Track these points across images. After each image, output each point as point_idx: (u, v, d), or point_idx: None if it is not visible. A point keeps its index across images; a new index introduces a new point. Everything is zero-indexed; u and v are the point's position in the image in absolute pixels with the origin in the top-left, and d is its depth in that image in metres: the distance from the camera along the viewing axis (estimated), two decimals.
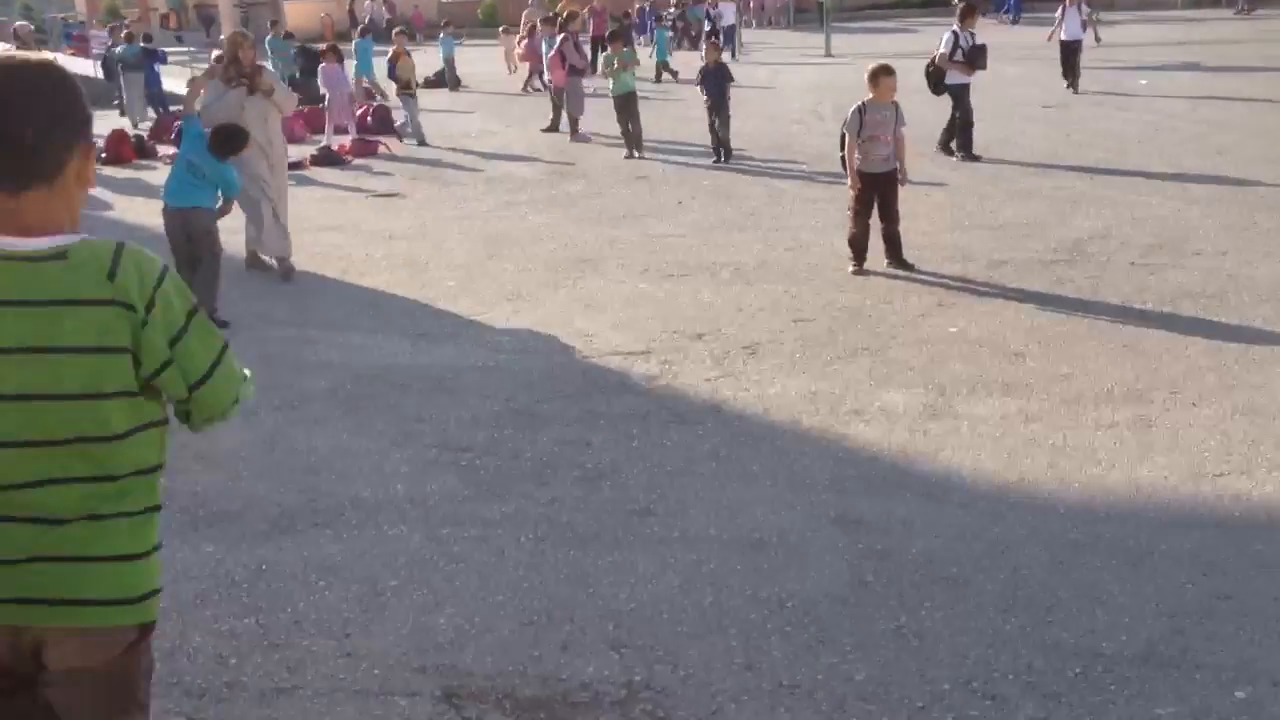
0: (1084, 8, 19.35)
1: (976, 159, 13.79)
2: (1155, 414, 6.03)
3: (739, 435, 6.03)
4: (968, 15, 13.97)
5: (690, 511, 5.19)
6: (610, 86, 16.29)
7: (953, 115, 14.12)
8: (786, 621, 4.27)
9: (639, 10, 35.04)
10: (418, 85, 18.33)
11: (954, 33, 13.82)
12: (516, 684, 3.95)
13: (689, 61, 15.47)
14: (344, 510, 5.37)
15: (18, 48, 17.53)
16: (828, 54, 29.61)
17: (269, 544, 5.08)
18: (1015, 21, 36.41)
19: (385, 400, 6.83)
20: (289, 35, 27.75)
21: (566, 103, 17.88)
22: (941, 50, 13.82)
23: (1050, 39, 19.95)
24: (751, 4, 41.32)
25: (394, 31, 20.25)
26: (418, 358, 7.59)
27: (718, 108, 14.77)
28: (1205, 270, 8.61)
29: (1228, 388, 6.34)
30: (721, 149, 14.84)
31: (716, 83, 14.70)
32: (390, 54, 19.00)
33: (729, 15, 31.63)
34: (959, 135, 14.03)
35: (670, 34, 36.02)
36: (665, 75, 24.95)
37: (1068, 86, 19.53)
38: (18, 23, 19.86)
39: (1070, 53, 19.37)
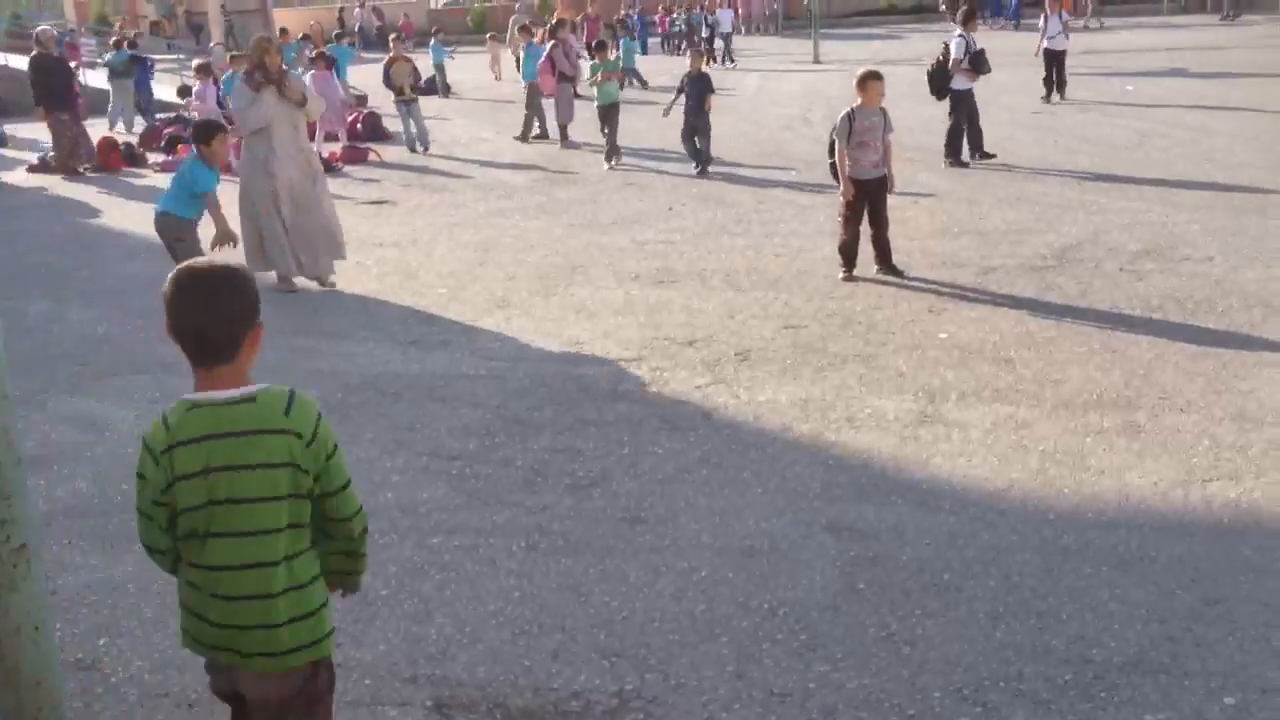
0: (1064, 15, 19.34)
1: (965, 165, 13.84)
2: (1144, 419, 6.05)
3: (730, 442, 6.04)
4: (970, 19, 14.13)
5: (681, 519, 5.19)
6: (595, 95, 16.27)
7: (971, 121, 14.13)
8: (778, 629, 4.27)
9: (625, 17, 35.17)
10: (413, 90, 18.07)
11: (963, 37, 13.90)
12: (508, 693, 3.95)
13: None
14: None
15: (39, 51, 17.47)
16: (816, 60, 29.69)
17: None
18: (1004, 28, 36.57)
19: (376, 408, 6.82)
20: (305, 37, 27.69)
21: (556, 110, 17.88)
22: (955, 55, 13.86)
23: (1037, 53, 19.93)
24: (740, 10, 41.42)
25: (391, 37, 20.06)
26: (408, 365, 7.59)
27: (696, 116, 14.54)
28: (1193, 276, 8.64)
29: (1216, 393, 6.36)
30: (700, 159, 14.56)
31: (697, 92, 14.55)
32: (386, 60, 18.86)
33: (726, 22, 31.81)
34: (949, 140, 14.06)
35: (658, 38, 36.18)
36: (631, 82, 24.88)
37: (1044, 98, 19.40)
38: (40, 28, 19.83)
39: (1055, 61, 19.37)
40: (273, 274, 9.81)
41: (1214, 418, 6.02)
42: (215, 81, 18.87)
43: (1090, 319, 7.76)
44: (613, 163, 15.51)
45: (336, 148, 17.54)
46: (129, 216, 13.11)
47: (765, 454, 5.87)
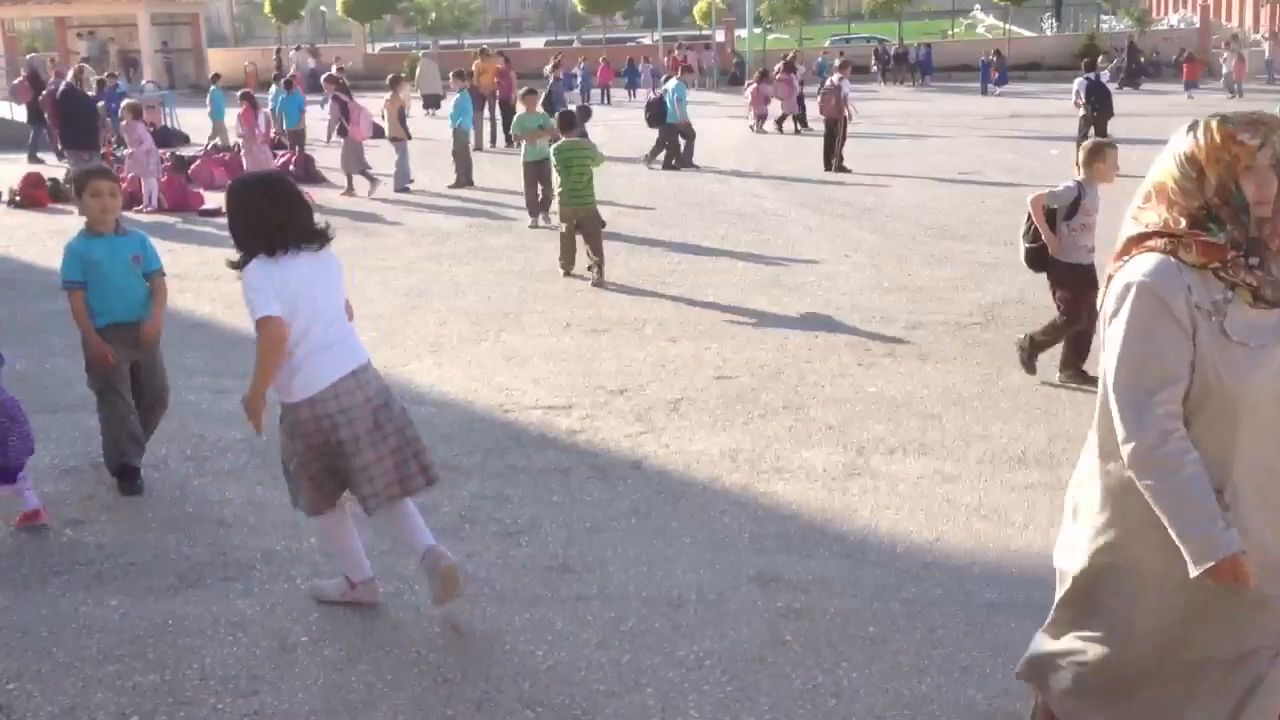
0: (845, 91, 20.35)
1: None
2: (1068, 476, 6.09)
3: (659, 492, 6.02)
4: (1093, 67, 20.25)
5: (609, 568, 5.16)
6: (521, 151, 15.33)
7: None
8: (704, 680, 4.25)
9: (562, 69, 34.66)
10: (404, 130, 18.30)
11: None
12: None
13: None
14: (255, 563, 5.27)
15: (68, 85, 16.90)
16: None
17: (176, 598, 4.96)
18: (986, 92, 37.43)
19: None
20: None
21: (342, 159, 17.89)
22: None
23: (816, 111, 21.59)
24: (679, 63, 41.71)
25: (389, 78, 19.59)
26: None
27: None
28: None
29: None
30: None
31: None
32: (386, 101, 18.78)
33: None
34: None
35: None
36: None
37: (828, 168, 19.49)
38: (80, 62, 19.34)
39: (832, 133, 19.82)
40: None
41: None
42: (146, 122, 18.63)
43: (1016, 376, 7.87)
44: (541, 220, 14.73)
45: None
46: (51, 254, 12.87)
47: (694, 504, 5.87)
